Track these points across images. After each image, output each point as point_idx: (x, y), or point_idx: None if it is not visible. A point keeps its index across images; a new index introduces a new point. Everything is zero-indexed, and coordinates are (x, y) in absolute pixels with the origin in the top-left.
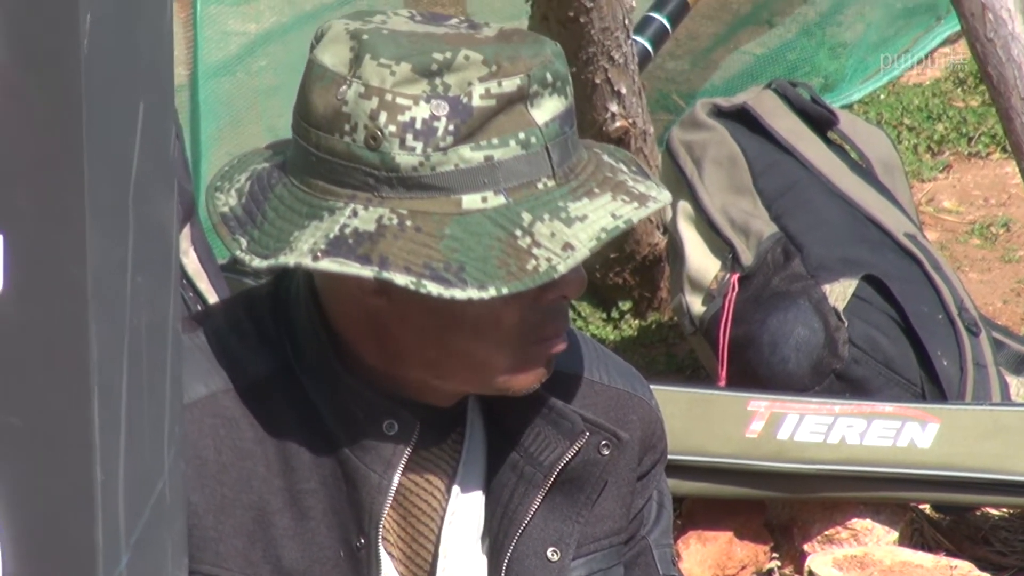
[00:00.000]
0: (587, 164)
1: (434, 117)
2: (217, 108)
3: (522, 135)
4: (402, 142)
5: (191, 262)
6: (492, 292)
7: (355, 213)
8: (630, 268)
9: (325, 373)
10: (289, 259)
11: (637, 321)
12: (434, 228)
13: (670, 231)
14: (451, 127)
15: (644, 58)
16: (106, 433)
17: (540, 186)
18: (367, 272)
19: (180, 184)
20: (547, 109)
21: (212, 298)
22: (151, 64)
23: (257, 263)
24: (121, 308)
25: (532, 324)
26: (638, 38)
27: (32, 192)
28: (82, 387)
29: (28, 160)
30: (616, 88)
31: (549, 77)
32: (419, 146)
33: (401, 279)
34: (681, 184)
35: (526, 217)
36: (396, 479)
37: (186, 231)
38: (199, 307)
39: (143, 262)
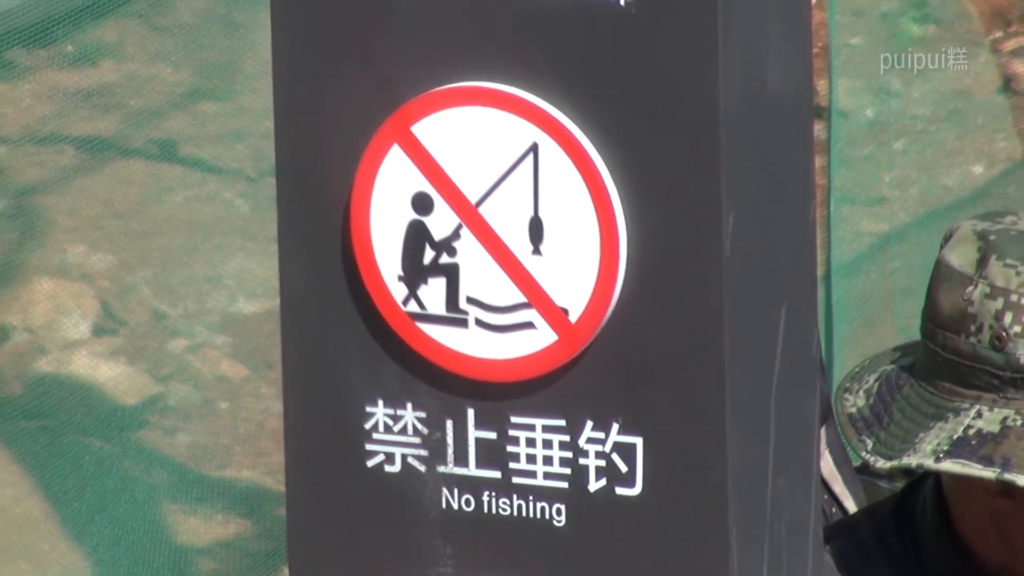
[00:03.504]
0: None
1: None
2: (850, 308)
3: None
4: None
5: (826, 464)
6: None
7: (979, 414)
8: None
9: None
10: (912, 460)
11: None
12: None
13: None
14: None
15: None
16: None
17: None
18: (988, 473)
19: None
20: None
21: (847, 501)
22: (793, 264)
23: (880, 464)
24: (761, 510)
25: None
26: None
27: (671, 395)
28: None
29: (667, 363)
30: None
31: None
32: None
33: (1022, 480)
34: None
35: None
36: None
37: (821, 432)
38: (833, 510)
39: (784, 464)
